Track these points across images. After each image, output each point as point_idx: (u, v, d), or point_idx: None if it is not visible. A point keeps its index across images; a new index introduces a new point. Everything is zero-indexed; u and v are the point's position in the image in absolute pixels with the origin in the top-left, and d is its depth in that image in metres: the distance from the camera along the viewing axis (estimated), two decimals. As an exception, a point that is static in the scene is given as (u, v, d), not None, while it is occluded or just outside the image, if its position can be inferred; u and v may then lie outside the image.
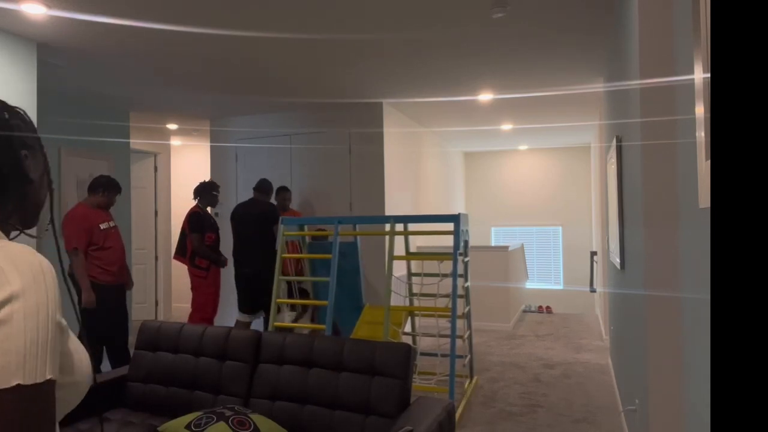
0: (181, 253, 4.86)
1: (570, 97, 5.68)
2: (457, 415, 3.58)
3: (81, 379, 0.80)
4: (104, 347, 3.90)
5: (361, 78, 4.78)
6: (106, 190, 3.91)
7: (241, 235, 4.83)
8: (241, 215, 4.85)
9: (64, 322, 0.74)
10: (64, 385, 0.76)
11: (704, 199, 1.29)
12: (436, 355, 4.59)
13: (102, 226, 3.84)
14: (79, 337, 3.22)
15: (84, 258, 3.72)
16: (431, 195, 7.70)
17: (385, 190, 5.64)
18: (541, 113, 6.54)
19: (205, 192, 4.88)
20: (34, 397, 0.65)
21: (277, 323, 4.22)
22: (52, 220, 0.87)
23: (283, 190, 5.37)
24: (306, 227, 4.88)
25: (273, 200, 5.18)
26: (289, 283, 4.98)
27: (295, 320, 4.54)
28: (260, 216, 4.76)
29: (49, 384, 0.67)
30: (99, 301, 3.77)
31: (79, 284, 3.72)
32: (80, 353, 0.81)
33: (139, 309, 7.07)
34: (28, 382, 0.64)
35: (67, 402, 0.79)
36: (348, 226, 5.49)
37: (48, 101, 5.10)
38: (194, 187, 4.96)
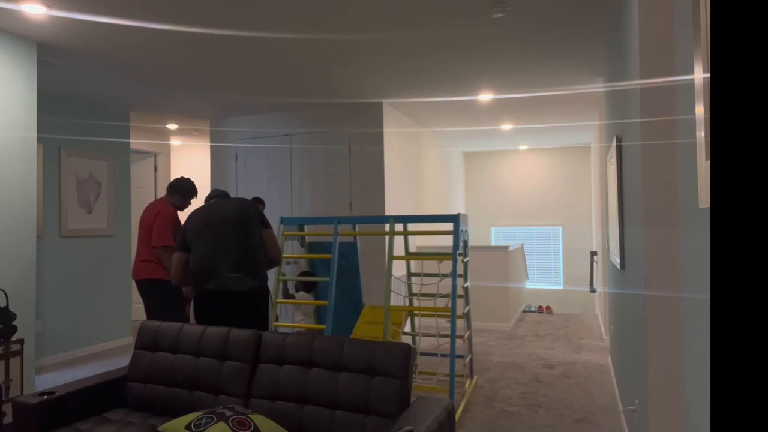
0: None
1: (570, 97, 5.68)
2: (457, 415, 3.58)
3: None
4: None
5: (361, 78, 4.77)
6: (187, 193, 4.17)
7: None
8: None
9: None
10: None
11: (704, 199, 1.29)
12: (436, 355, 4.59)
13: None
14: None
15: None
16: (431, 195, 7.70)
17: (385, 190, 5.63)
18: (541, 113, 6.54)
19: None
20: None
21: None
22: None
23: (257, 202, 4.94)
24: (305, 227, 4.87)
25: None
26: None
27: None
28: None
29: None
30: (174, 297, 3.99)
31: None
32: None
33: (139, 309, 7.07)
34: None
35: None
36: (348, 226, 5.49)
37: (48, 101, 5.10)
38: (207, 192, 5.00)
